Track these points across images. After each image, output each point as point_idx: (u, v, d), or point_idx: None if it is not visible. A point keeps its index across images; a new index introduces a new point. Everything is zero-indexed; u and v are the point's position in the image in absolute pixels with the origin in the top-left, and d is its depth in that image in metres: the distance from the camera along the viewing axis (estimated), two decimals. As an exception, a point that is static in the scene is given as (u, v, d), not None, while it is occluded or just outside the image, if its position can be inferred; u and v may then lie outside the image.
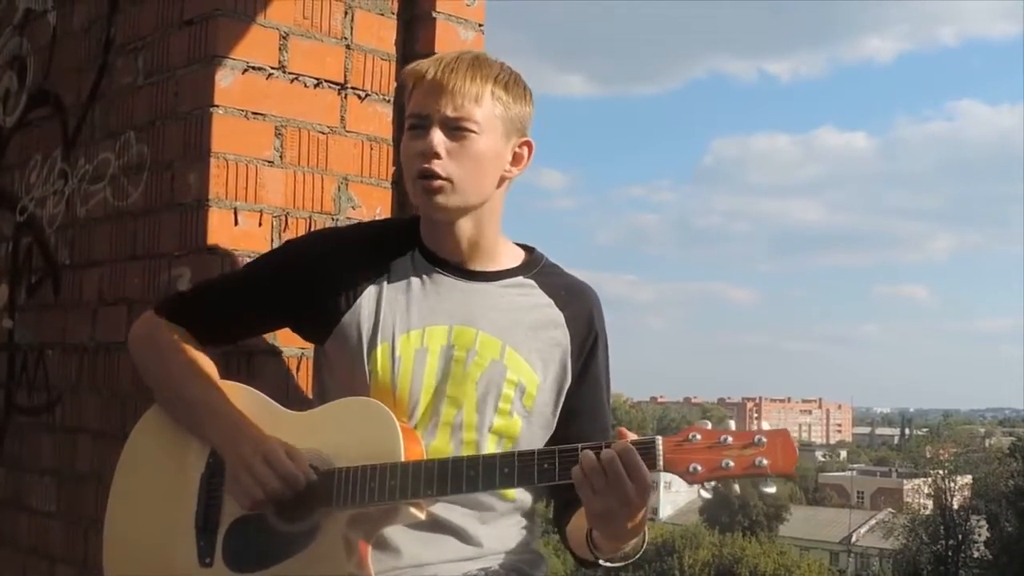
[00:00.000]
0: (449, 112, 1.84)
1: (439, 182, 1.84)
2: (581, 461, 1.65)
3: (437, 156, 1.84)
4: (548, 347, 1.94)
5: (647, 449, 1.65)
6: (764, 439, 1.63)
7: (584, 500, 1.67)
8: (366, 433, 1.79)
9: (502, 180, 1.93)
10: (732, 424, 1.68)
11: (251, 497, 1.78)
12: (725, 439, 1.65)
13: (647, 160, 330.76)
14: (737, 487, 1.69)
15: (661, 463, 1.65)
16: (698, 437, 1.65)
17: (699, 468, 1.64)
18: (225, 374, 1.99)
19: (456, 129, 1.84)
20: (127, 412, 2.46)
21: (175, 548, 1.87)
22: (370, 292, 1.91)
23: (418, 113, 1.86)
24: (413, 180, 1.87)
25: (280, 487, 1.76)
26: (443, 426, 1.87)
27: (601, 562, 1.84)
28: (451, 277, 1.93)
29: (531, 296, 1.96)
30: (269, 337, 2.30)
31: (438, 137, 1.84)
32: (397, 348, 1.87)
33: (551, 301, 1.97)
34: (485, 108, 1.86)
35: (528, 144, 1.95)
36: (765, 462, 1.62)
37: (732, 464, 1.63)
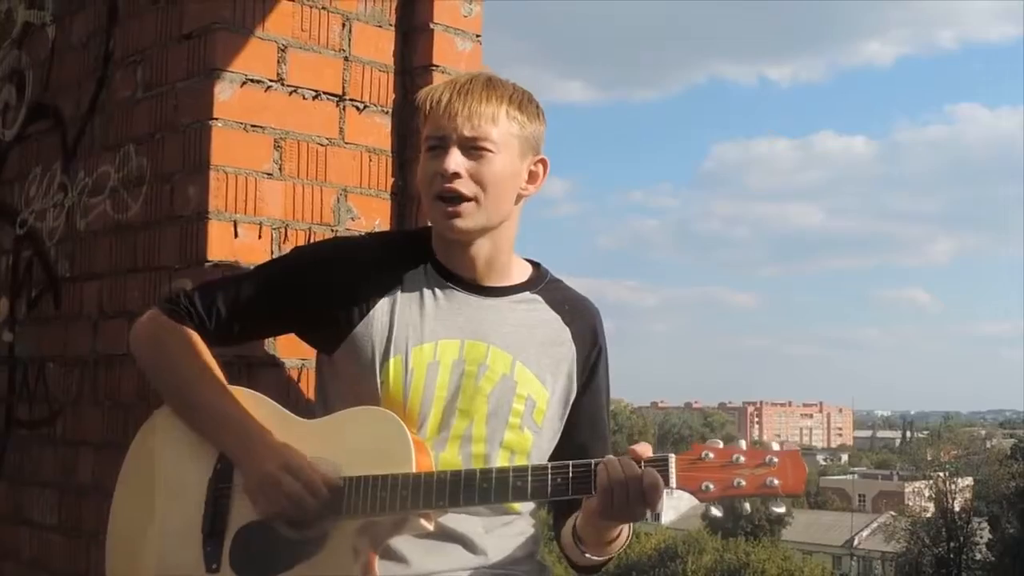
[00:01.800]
0: (467, 132, 1.86)
1: (463, 205, 1.87)
2: (610, 473, 1.68)
3: (457, 176, 1.86)
4: (556, 362, 1.97)
5: (660, 467, 1.68)
6: (776, 459, 1.67)
7: (601, 507, 1.71)
8: (377, 443, 1.80)
9: (518, 198, 1.96)
10: (743, 443, 1.70)
11: (276, 508, 1.79)
12: (737, 458, 1.68)
13: (647, 165, 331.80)
14: (748, 505, 1.71)
15: (674, 481, 1.68)
16: (711, 455, 1.68)
17: (711, 487, 1.67)
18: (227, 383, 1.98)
19: (474, 149, 1.87)
20: (128, 424, 2.46)
21: (181, 553, 1.87)
22: (383, 304, 1.92)
23: (436, 135, 1.88)
24: (432, 201, 1.89)
25: (306, 497, 1.77)
26: (453, 439, 1.88)
27: (587, 556, 1.88)
28: (463, 292, 1.95)
29: (539, 312, 1.99)
30: (269, 347, 2.30)
31: (458, 157, 1.86)
32: (410, 360, 1.89)
33: (557, 316, 2.00)
34: (501, 127, 1.88)
35: (543, 162, 1.98)
36: (776, 482, 1.66)
37: (744, 483, 1.66)
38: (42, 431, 2.85)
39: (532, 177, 1.97)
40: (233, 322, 1.99)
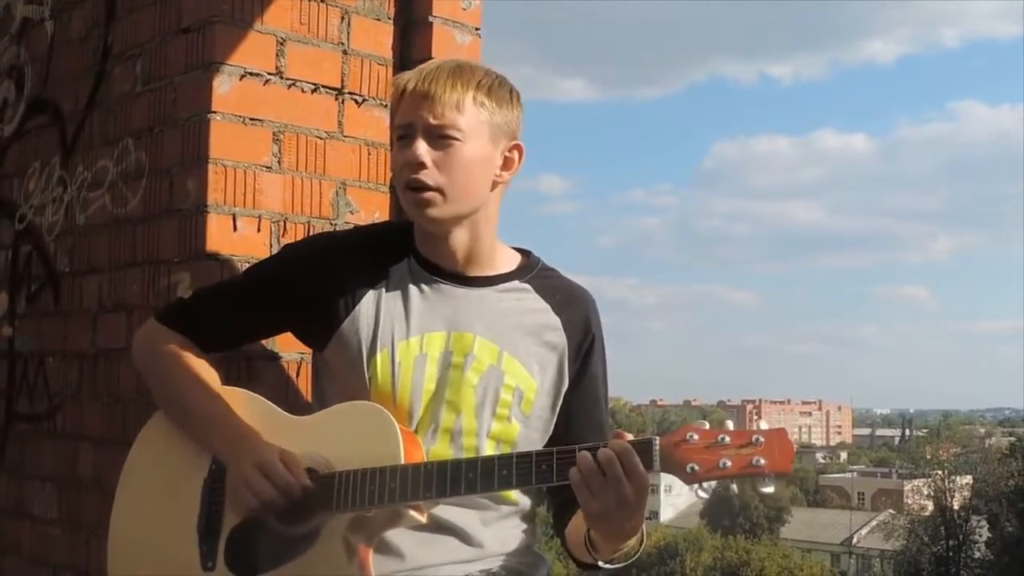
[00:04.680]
0: (431, 120, 1.84)
1: (429, 194, 1.85)
2: (578, 463, 1.65)
3: (423, 166, 1.84)
4: (545, 351, 1.95)
5: (644, 449, 1.65)
6: (761, 438, 1.63)
7: (581, 502, 1.68)
8: (366, 437, 1.79)
9: (494, 185, 1.93)
10: (730, 424, 1.67)
11: (247, 507, 1.80)
12: (723, 439, 1.64)
13: (648, 164, 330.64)
14: (735, 486, 1.69)
15: (658, 463, 1.65)
16: (696, 437, 1.65)
17: (696, 468, 1.63)
18: (226, 380, 1.99)
19: (440, 137, 1.85)
20: (128, 418, 2.47)
21: (178, 553, 1.88)
22: (369, 298, 1.92)
23: (402, 124, 1.87)
24: (403, 191, 1.89)
25: (275, 496, 1.77)
26: (443, 432, 1.88)
27: (601, 564, 1.84)
28: (448, 283, 1.94)
29: (527, 301, 1.97)
30: (268, 343, 2.30)
31: (422, 147, 1.84)
32: (397, 355, 1.88)
33: (547, 305, 1.97)
34: (468, 115, 1.86)
35: (518, 147, 1.94)
36: (762, 461, 1.62)
37: (730, 464, 1.63)
38: (42, 425, 2.85)
39: (507, 163, 1.93)
40: (227, 327, 2.01)
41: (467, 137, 1.86)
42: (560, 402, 1.96)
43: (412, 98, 1.85)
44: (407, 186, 1.86)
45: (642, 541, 1.81)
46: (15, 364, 3.00)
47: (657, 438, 1.66)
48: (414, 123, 1.85)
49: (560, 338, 1.96)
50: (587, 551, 1.84)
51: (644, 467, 1.64)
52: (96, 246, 2.70)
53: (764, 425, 1.67)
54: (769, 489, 1.68)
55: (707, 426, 1.67)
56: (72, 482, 2.70)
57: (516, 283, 1.98)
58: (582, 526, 1.82)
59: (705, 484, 1.66)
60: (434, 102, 1.84)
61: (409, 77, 1.88)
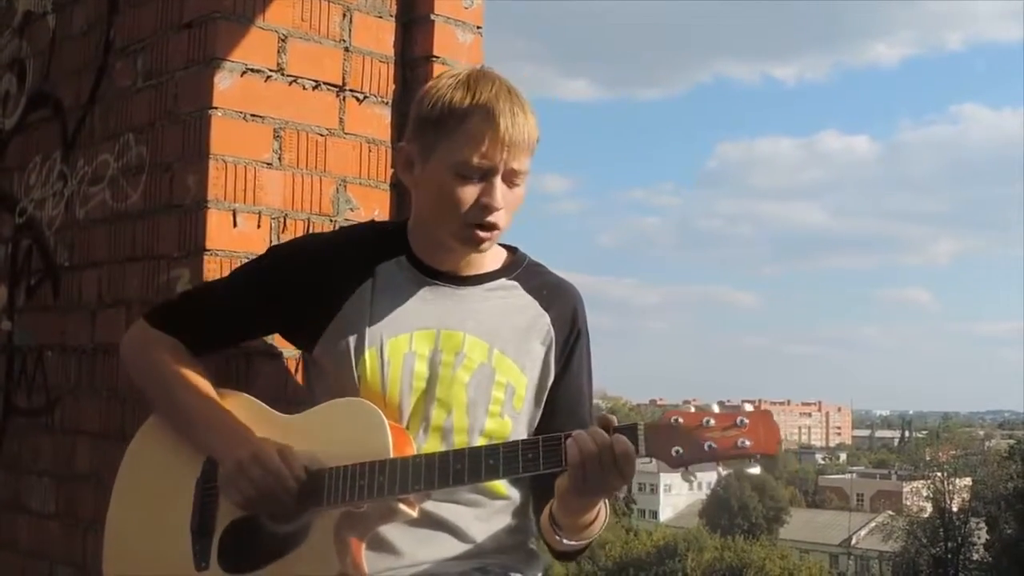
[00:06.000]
0: (514, 165, 1.85)
1: (494, 233, 1.87)
2: (580, 445, 1.65)
3: (499, 208, 1.85)
4: (534, 347, 1.96)
5: (628, 434, 1.66)
6: (746, 420, 1.63)
7: (574, 482, 1.69)
8: (355, 432, 1.81)
9: None
10: (715, 407, 1.67)
11: (243, 496, 1.80)
12: (707, 421, 1.64)
13: (651, 164, 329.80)
14: (721, 469, 1.68)
15: (643, 448, 1.65)
16: (680, 421, 1.65)
17: (681, 451, 1.64)
18: (224, 375, 2.00)
19: (512, 180, 1.86)
20: (126, 413, 2.47)
21: (172, 552, 1.89)
22: (356, 297, 1.93)
23: (481, 164, 1.82)
24: (465, 226, 1.86)
25: (272, 485, 1.77)
26: (434, 430, 1.89)
27: (566, 542, 1.88)
28: (438, 282, 1.95)
29: (515, 298, 1.98)
30: (267, 338, 2.30)
31: (503, 191, 1.85)
32: (385, 352, 1.89)
33: (535, 301, 1.98)
34: (532, 149, 1.88)
35: None
36: (748, 443, 1.62)
37: (715, 446, 1.63)
38: (40, 419, 2.85)
39: None
40: (215, 329, 2.02)
41: (527, 176, 1.88)
42: (545, 396, 1.98)
43: (494, 138, 1.81)
44: (477, 225, 1.85)
45: (606, 518, 1.87)
46: (13, 358, 3.00)
47: (642, 423, 1.67)
48: (495, 166, 1.83)
49: (548, 334, 1.97)
50: (552, 533, 1.88)
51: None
52: (96, 241, 2.69)
53: (748, 407, 1.66)
54: (755, 470, 1.76)
55: (692, 409, 1.67)
56: (70, 476, 2.70)
57: (504, 280, 1.99)
58: (548, 512, 1.88)
59: (692, 468, 1.65)
60: (519, 149, 1.83)
61: (482, 113, 1.82)
